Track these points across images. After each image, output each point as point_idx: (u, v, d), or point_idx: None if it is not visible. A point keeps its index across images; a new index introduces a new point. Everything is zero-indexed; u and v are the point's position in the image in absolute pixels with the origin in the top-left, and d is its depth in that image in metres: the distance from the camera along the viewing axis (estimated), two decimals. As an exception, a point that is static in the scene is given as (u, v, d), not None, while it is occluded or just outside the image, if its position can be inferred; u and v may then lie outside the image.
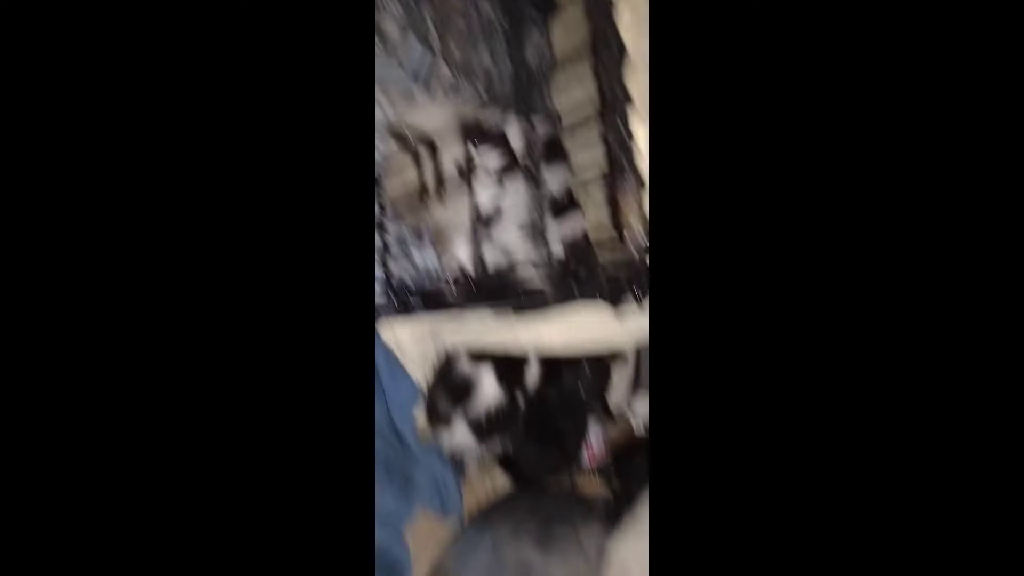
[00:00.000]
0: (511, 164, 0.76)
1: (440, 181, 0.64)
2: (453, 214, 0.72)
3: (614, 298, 0.66)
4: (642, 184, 0.31)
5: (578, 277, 0.64)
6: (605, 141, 0.77)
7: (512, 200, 0.80)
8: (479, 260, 0.59)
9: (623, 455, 0.92)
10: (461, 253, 0.72)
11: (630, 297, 0.66)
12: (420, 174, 0.70)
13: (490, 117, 0.77)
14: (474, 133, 0.75)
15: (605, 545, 0.58)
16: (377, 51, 0.79)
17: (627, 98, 0.35)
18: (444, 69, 0.89)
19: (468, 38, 1.02)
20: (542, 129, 0.93)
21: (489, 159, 0.75)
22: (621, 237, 0.32)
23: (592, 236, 0.92)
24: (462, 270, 0.54)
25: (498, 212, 0.80)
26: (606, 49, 0.52)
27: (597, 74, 0.68)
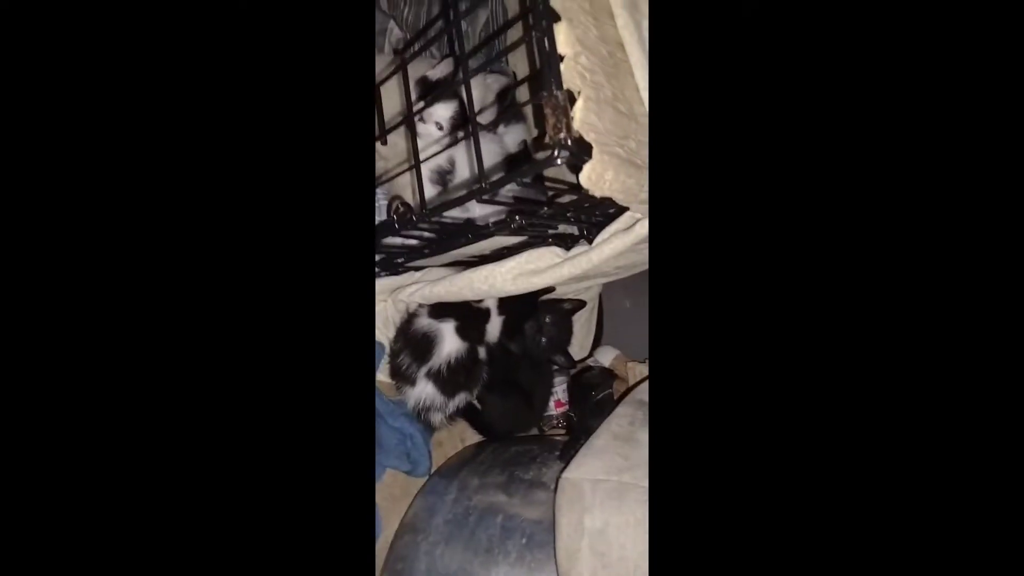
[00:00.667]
0: (460, 115, 0.76)
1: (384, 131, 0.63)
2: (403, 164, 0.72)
3: (565, 242, 0.67)
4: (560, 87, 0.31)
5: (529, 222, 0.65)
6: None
7: (464, 151, 0.80)
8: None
9: (579, 395, 0.93)
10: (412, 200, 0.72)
11: (582, 240, 0.67)
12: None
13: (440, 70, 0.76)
14: (424, 85, 0.75)
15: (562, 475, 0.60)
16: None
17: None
18: (392, 27, 0.88)
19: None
20: (495, 81, 0.93)
21: (440, 110, 0.74)
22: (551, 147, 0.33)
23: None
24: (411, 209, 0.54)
25: (451, 163, 0.81)
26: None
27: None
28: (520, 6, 0.85)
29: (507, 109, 0.93)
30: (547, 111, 0.35)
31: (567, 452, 0.67)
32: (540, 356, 0.89)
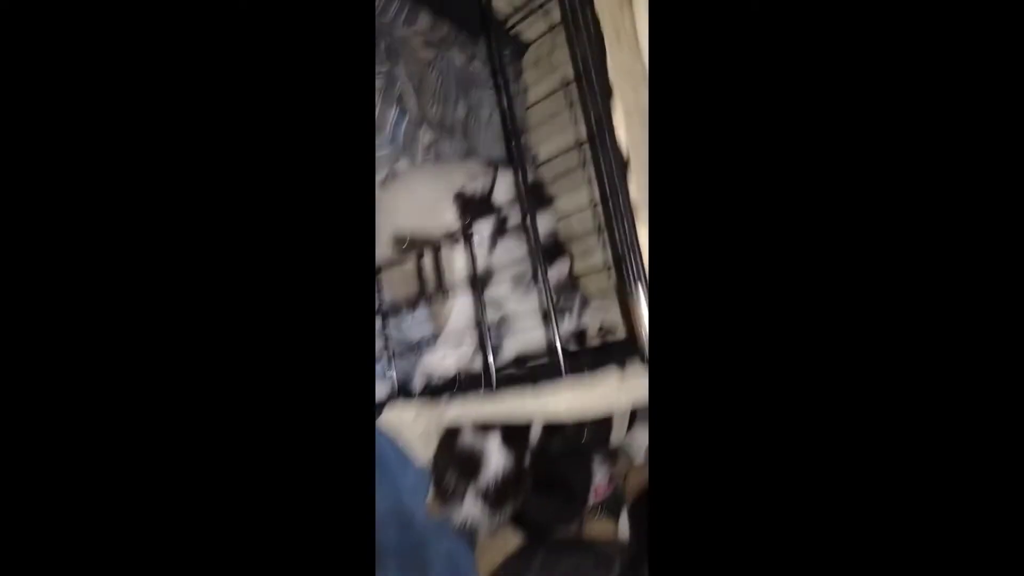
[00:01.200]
0: (501, 227, 0.76)
1: (439, 275, 0.62)
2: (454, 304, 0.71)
3: (619, 361, 0.66)
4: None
5: (583, 348, 0.64)
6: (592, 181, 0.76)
7: (506, 259, 0.80)
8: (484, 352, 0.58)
9: (634, 497, 0.92)
10: (466, 346, 0.71)
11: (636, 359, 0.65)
12: (418, 267, 0.69)
13: (476, 181, 0.76)
14: (464, 203, 0.74)
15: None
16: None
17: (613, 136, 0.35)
18: (423, 131, 0.88)
19: (442, 92, 1.01)
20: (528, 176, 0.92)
21: (482, 227, 0.74)
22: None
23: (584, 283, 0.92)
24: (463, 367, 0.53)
25: (492, 273, 0.80)
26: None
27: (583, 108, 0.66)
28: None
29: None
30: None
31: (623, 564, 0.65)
32: (583, 451, 0.87)
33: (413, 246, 0.67)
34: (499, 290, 0.86)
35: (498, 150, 1.12)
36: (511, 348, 0.88)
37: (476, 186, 0.76)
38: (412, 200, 0.73)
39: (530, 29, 1.22)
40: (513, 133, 0.99)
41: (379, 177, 0.79)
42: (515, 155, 0.57)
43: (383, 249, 0.67)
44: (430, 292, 0.70)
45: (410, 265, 0.67)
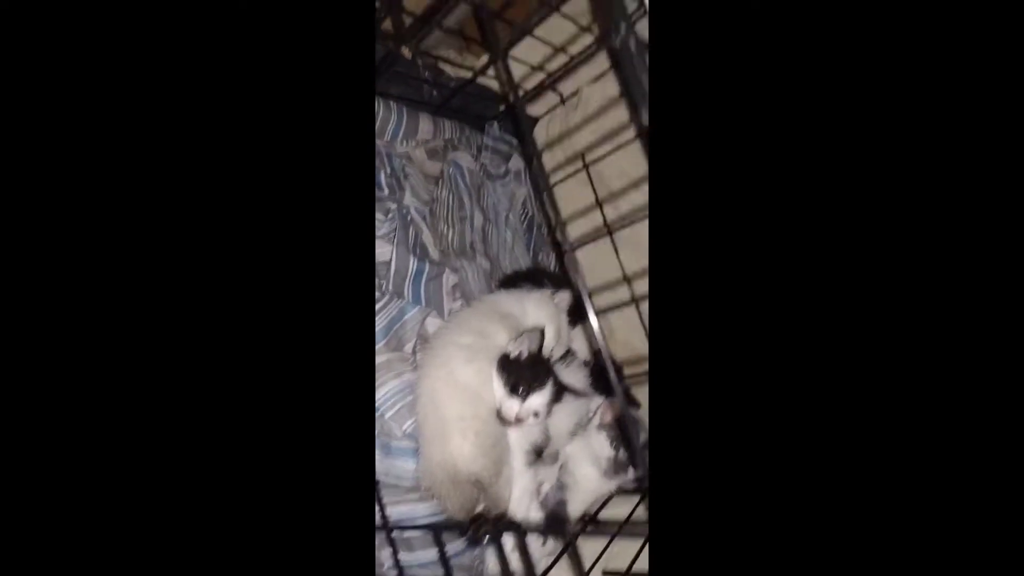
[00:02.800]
0: (556, 392, 0.66)
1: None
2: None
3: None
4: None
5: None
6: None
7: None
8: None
9: None
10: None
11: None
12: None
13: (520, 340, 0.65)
14: (512, 373, 0.63)
15: None
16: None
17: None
18: (447, 273, 0.77)
19: (456, 207, 0.90)
20: (561, 298, 0.82)
21: (535, 400, 0.63)
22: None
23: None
24: None
25: (547, 436, 0.70)
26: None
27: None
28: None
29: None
30: None
31: None
32: None
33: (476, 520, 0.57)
34: (555, 447, 0.77)
35: (521, 251, 1.02)
36: (577, 503, 0.79)
37: (521, 347, 0.65)
38: (452, 385, 0.62)
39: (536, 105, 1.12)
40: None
41: (408, 345, 0.68)
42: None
43: (438, 485, 0.57)
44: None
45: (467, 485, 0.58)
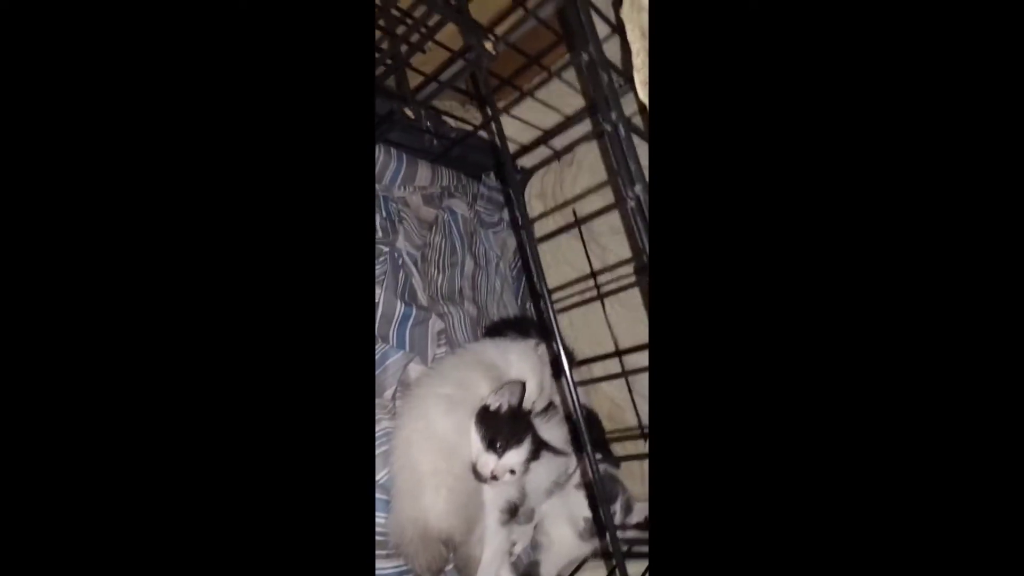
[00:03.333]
0: (534, 451, 0.65)
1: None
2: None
3: None
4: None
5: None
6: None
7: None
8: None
9: None
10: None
11: None
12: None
13: (500, 393, 0.65)
14: (489, 426, 0.63)
15: None
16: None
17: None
18: (433, 318, 0.77)
19: (447, 253, 0.91)
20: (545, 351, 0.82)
21: (512, 457, 0.62)
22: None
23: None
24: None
25: (523, 493, 0.68)
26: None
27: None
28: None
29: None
30: None
31: None
32: None
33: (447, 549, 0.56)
34: (530, 505, 0.75)
35: (510, 299, 1.03)
36: (550, 565, 0.76)
37: (501, 399, 0.65)
38: (429, 438, 0.61)
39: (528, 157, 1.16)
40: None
41: (388, 391, 0.68)
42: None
43: (407, 542, 0.56)
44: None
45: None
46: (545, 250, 1.12)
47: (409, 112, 0.53)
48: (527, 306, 1.06)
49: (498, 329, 0.90)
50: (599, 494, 0.49)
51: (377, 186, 0.84)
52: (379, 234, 0.79)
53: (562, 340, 0.50)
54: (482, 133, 1.01)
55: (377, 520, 0.60)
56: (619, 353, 0.99)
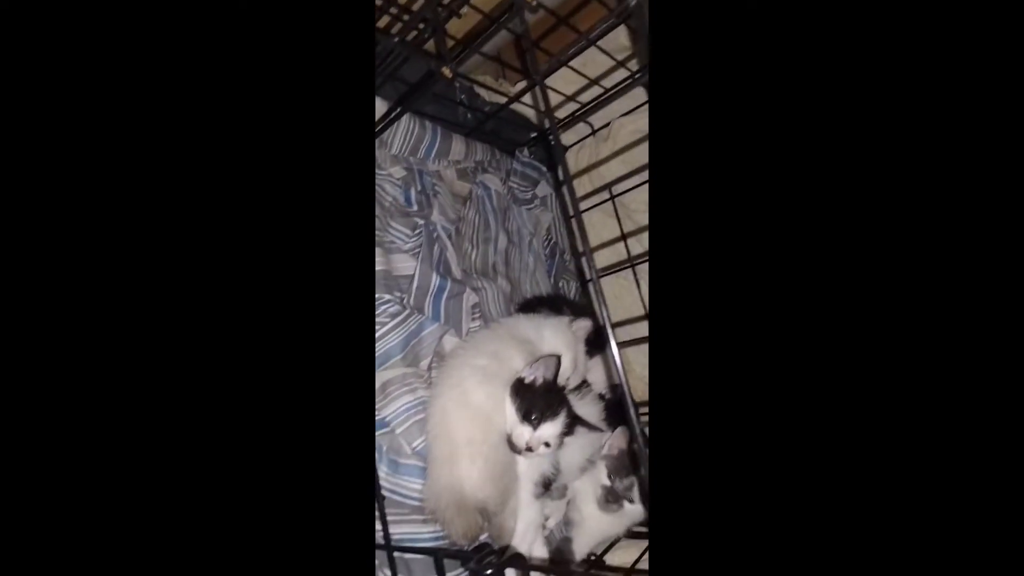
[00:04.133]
0: (569, 424, 0.64)
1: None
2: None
3: None
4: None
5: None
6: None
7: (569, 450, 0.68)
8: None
9: None
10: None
11: None
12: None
13: (535, 367, 0.64)
14: (524, 399, 0.62)
15: None
16: (393, 314, 0.67)
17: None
18: (467, 292, 0.77)
19: (481, 228, 0.91)
20: (580, 327, 0.81)
21: (547, 429, 0.62)
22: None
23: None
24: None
25: (556, 468, 0.68)
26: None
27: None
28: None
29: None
30: None
31: None
32: None
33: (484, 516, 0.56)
34: (564, 481, 0.74)
35: (543, 277, 1.02)
36: (582, 542, 0.76)
37: (536, 372, 0.64)
38: (464, 406, 0.61)
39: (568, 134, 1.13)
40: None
41: (424, 361, 0.68)
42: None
43: (443, 508, 0.56)
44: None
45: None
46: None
47: (447, 71, 0.51)
48: (560, 284, 1.05)
49: (531, 306, 0.89)
50: (640, 458, 0.48)
51: (412, 159, 0.83)
52: (414, 207, 0.79)
53: (607, 309, 0.48)
54: (517, 107, 0.99)
55: (414, 487, 0.60)
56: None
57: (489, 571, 0.49)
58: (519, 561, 0.52)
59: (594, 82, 0.97)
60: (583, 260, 0.97)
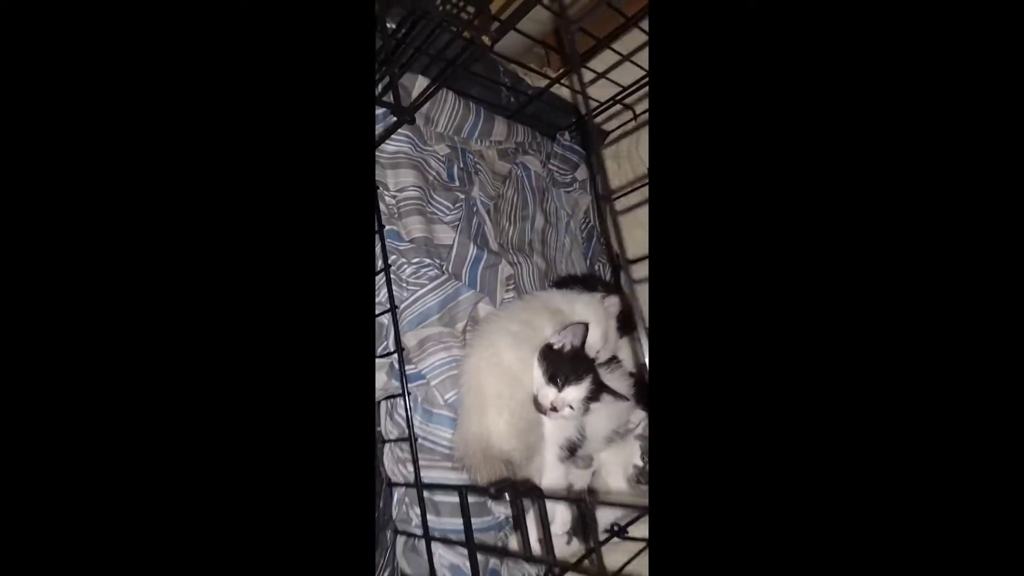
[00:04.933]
0: (595, 390, 0.66)
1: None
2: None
3: None
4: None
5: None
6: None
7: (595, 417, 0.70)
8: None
9: None
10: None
11: None
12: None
13: (564, 333, 0.66)
14: (552, 363, 0.65)
15: None
16: (432, 278, 0.71)
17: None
18: (503, 264, 0.80)
19: (520, 207, 0.94)
20: (612, 304, 0.82)
21: (572, 393, 0.64)
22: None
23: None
24: None
25: (582, 433, 0.70)
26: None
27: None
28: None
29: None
30: None
31: None
32: None
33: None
34: (589, 450, 0.76)
35: (578, 258, 1.04)
36: (607, 512, 0.77)
37: (564, 339, 0.66)
38: (495, 365, 0.65)
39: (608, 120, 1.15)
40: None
41: (459, 324, 0.72)
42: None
43: (470, 455, 0.60)
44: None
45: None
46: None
47: (487, 39, 0.54)
48: (595, 267, 1.06)
49: (565, 283, 0.91)
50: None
51: (456, 138, 0.87)
52: (456, 183, 0.83)
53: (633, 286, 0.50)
54: (559, 91, 1.01)
55: (444, 435, 0.64)
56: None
57: (506, 496, 0.51)
58: (535, 491, 0.54)
59: (637, 65, 0.97)
60: (614, 243, 0.98)
